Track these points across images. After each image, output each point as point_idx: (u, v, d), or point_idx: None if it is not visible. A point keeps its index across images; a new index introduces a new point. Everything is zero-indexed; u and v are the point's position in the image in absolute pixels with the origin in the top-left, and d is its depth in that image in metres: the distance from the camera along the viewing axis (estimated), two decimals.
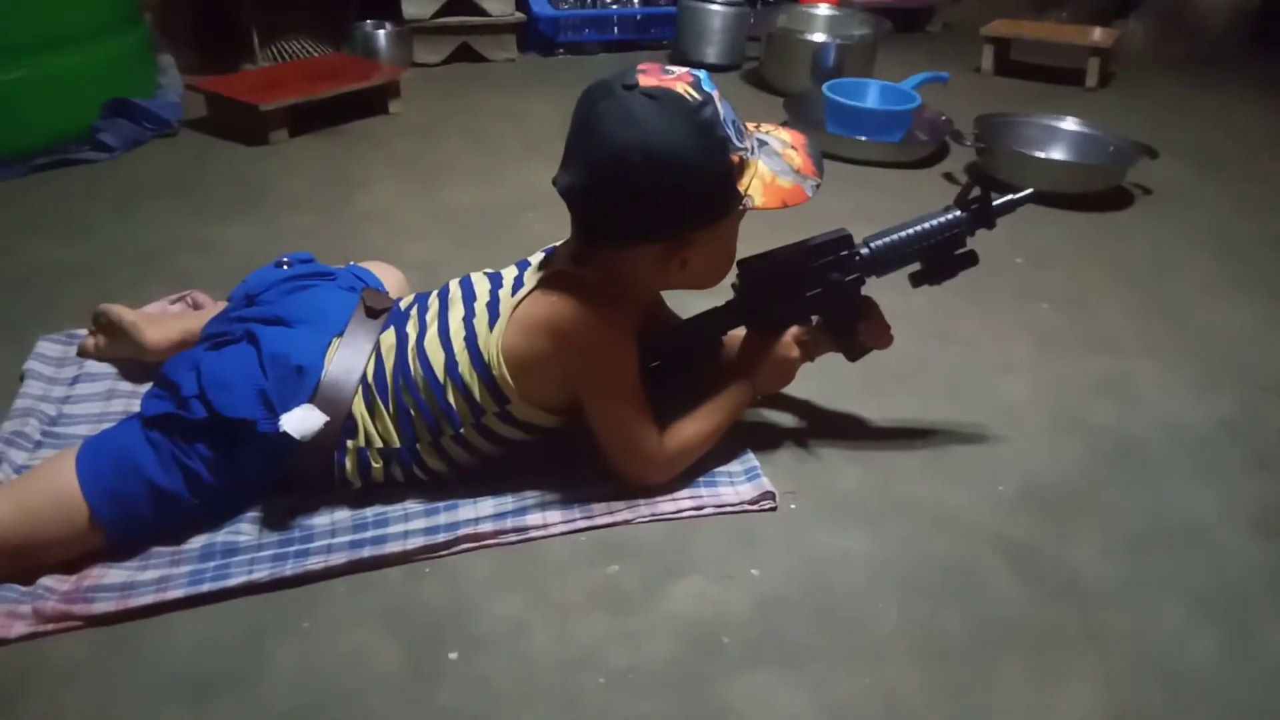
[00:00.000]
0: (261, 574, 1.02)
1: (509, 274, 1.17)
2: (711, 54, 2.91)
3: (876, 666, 0.98)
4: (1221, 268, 1.86)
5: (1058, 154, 2.22)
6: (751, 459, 1.22)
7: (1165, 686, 0.98)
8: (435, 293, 1.19)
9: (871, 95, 2.41)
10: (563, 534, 1.11)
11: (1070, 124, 2.26)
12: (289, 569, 1.02)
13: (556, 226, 1.13)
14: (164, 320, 1.35)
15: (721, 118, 1.04)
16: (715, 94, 1.05)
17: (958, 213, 1.21)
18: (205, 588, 1.00)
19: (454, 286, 1.18)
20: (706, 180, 1.04)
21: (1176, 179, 2.22)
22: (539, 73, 2.82)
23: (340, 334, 1.12)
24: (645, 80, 1.03)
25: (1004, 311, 1.64)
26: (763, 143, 1.12)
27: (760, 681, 0.96)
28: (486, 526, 1.09)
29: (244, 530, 1.08)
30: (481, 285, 1.16)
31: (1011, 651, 1.01)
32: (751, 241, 1.19)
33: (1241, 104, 2.91)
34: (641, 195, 1.03)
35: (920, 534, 1.15)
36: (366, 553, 1.05)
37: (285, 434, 1.02)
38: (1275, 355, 1.58)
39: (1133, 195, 2.13)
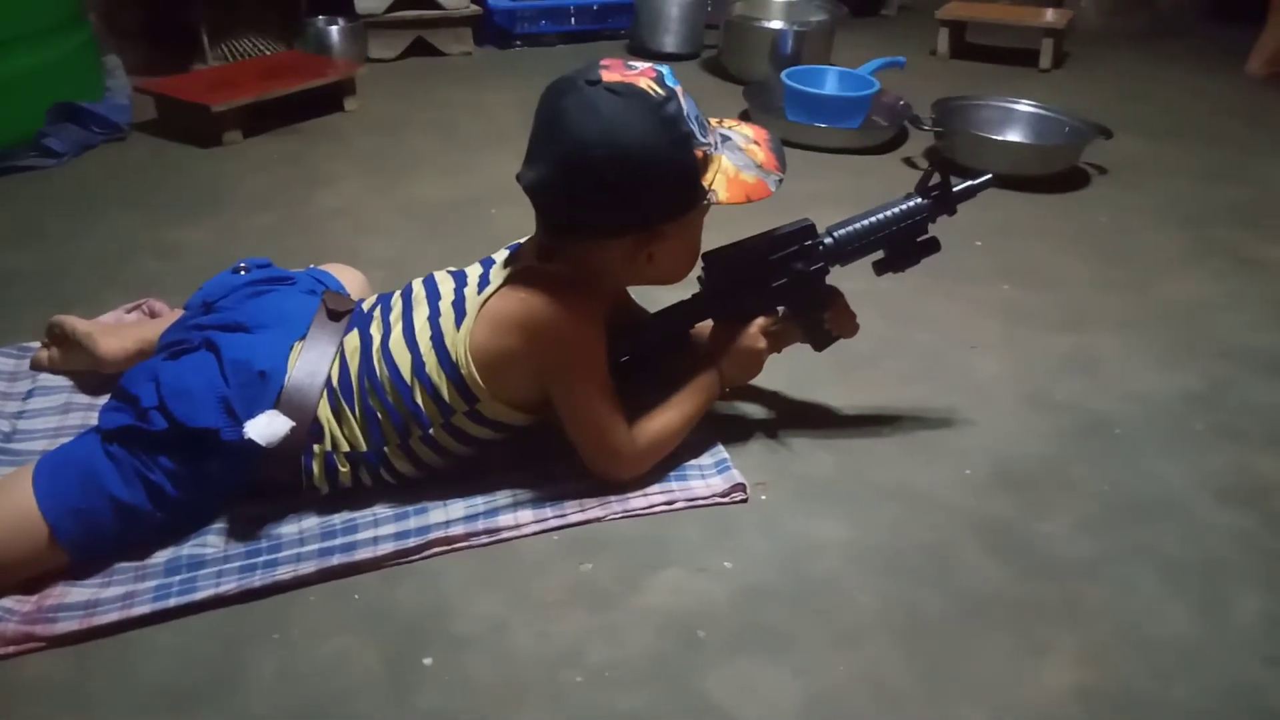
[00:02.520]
0: (229, 586, 1.00)
1: (473, 272, 1.15)
2: (670, 43, 2.90)
3: (857, 649, 0.99)
4: (1181, 240, 1.89)
5: (1014, 136, 2.24)
6: (722, 451, 1.22)
7: (1141, 656, 1.00)
8: (398, 293, 1.17)
9: (830, 82, 2.42)
10: (535, 533, 1.10)
11: (1026, 106, 2.28)
12: (257, 580, 1.00)
13: (523, 220, 1.12)
14: (120, 330, 1.32)
15: (685, 113, 1.04)
16: (679, 90, 1.05)
17: (919, 200, 1.22)
18: (171, 603, 0.98)
19: (417, 286, 1.17)
20: (670, 175, 1.04)
21: (1133, 155, 2.25)
22: (497, 65, 2.79)
23: (302, 338, 1.10)
24: (609, 76, 1.03)
25: (968, 293, 1.66)
26: (726, 138, 1.12)
27: (741, 671, 0.96)
28: (457, 529, 1.08)
29: (210, 542, 1.06)
30: (446, 284, 1.15)
31: (990, 628, 1.02)
32: (718, 231, 1.18)
33: (1195, 77, 2.96)
34: (606, 190, 1.03)
35: (894, 517, 1.16)
36: (336, 560, 1.03)
37: (250, 441, 1.00)
38: (1237, 324, 1.61)
39: (1089, 175, 2.16)
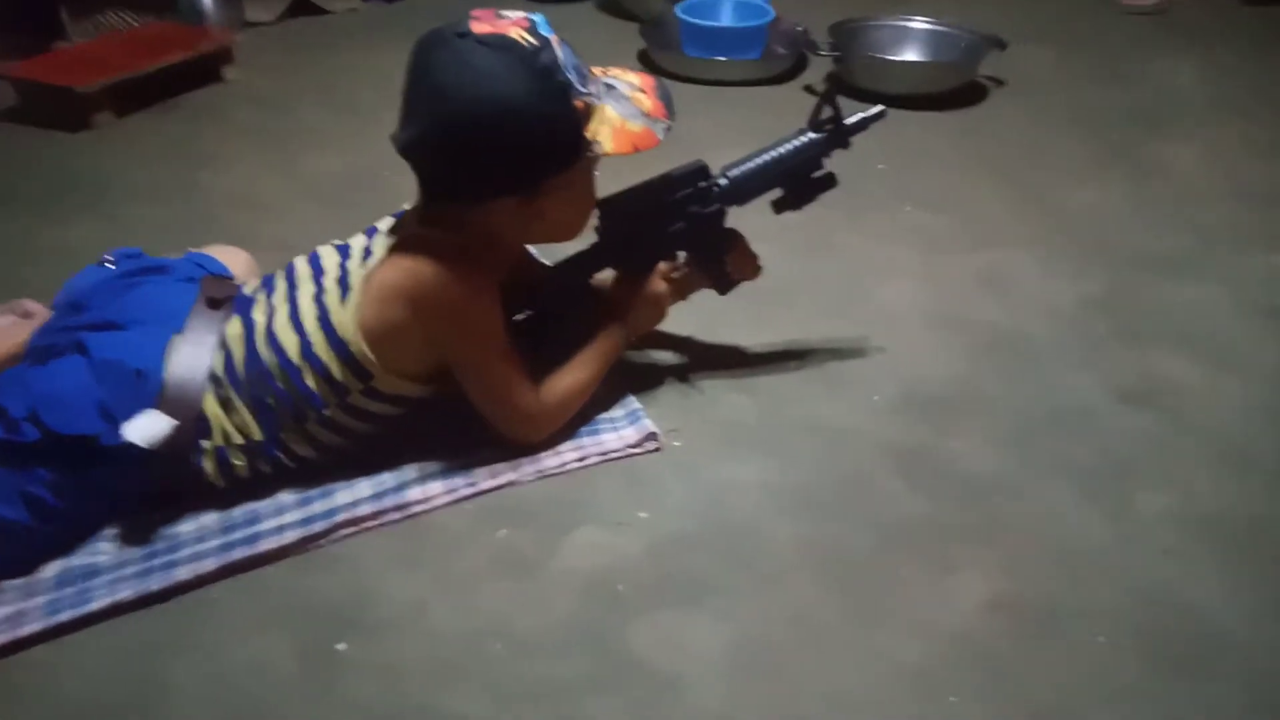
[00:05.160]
0: (126, 593, 0.96)
1: (357, 243, 1.11)
2: None
3: (779, 588, 1.00)
4: (1082, 148, 1.90)
5: (911, 54, 2.22)
6: (633, 402, 1.20)
7: (1057, 564, 1.02)
8: (281, 272, 1.13)
9: (725, 13, 2.37)
10: (447, 505, 1.08)
11: (921, 22, 2.26)
12: (155, 584, 0.97)
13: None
14: None
15: (561, 62, 1.00)
16: (554, 38, 1.01)
17: (811, 135, 1.20)
18: (64, 616, 0.94)
19: (300, 264, 1.12)
20: (550, 127, 1.01)
21: (1030, 65, 2.25)
22: (385, 21, 2.67)
23: (180, 331, 1.05)
24: (479, 27, 0.99)
25: (874, 219, 1.65)
26: (610, 87, 1.09)
27: (663, 623, 0.96)
28: (365, 509, 1.05)
29: (103, 549, 1.02)
30: (330, 259, 1.10)
31: (910, 554, 1.03)
32: (616, 179, 1.15)
33: None
34: (483, 147, 1.00)
35: (810, 452, 1.16)
36: (239, 554, 1.00)
37: (132, 445, 0.96)
38: (1139, 230, 1.63)
39: (986, 88, 2.16)
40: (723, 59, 2.21)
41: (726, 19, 2.35)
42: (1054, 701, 0.89)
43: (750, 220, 1.24)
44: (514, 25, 1.00)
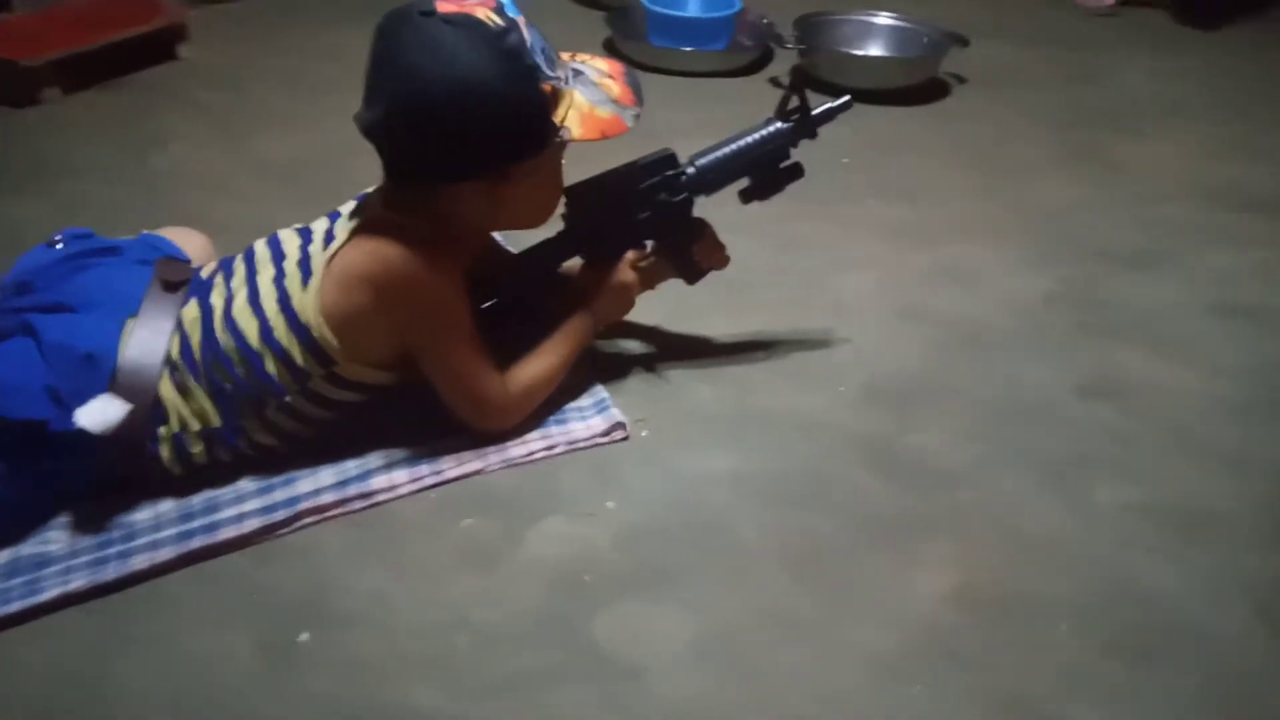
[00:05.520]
0: (79, 583, 0.93)
1: (319, 227, 1.09)
2: None
3: (744, 578, 1.00)
4: (1043, 144, 1.92)
5: (875, 49, 2.24)
6: (601, 391, 1.19)
7: (1017, 554, 1.04)
8: (240, 256, 1.10)
9: (692, 3, 2.36)
10: (412, 493, 1.06)
11: (885, 18, 2.28)
12: (110, 573, 0.94)
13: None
14: None
15: (529, 44, 0.99)
16: (521, 20, 1.00)
17: (779, 125, 1.20)
18: (14, 608, 0.91)
19: (260, 247, 1.09)
20: (515, 111, 0.99)
21: (992, 62, 2.27)
22: None
23: (134, 314, 1.01)
24: (444, 6, 0.97)
25: (838, 211, 1.66)
26: (578, 72, 1.07)
27: (629, 614, 0.95)
28: (328, 497, 1.03)
29: (53, 539, 0.98)
30: (291, 242, 1.08)
31: (875, 544, 1.04)
32: (584, 161, 1.14)
33: None
34: (446, 129, 0.98)
35: (776, 443, 1.17)
36: (197, 543, 0.97)
37: (83, 431, 0.92)
38: (1099, 223, 1.66)
39: (949, 85, 2.18)
40: (688, 49, 2.20)
41: (693, 9, 2.34)
42: (1018, 690, 0.90)
43: (717, 211, 1.24)
44: (480, 5, 0.98)
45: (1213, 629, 0.96)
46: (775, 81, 2.20)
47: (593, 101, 1.06)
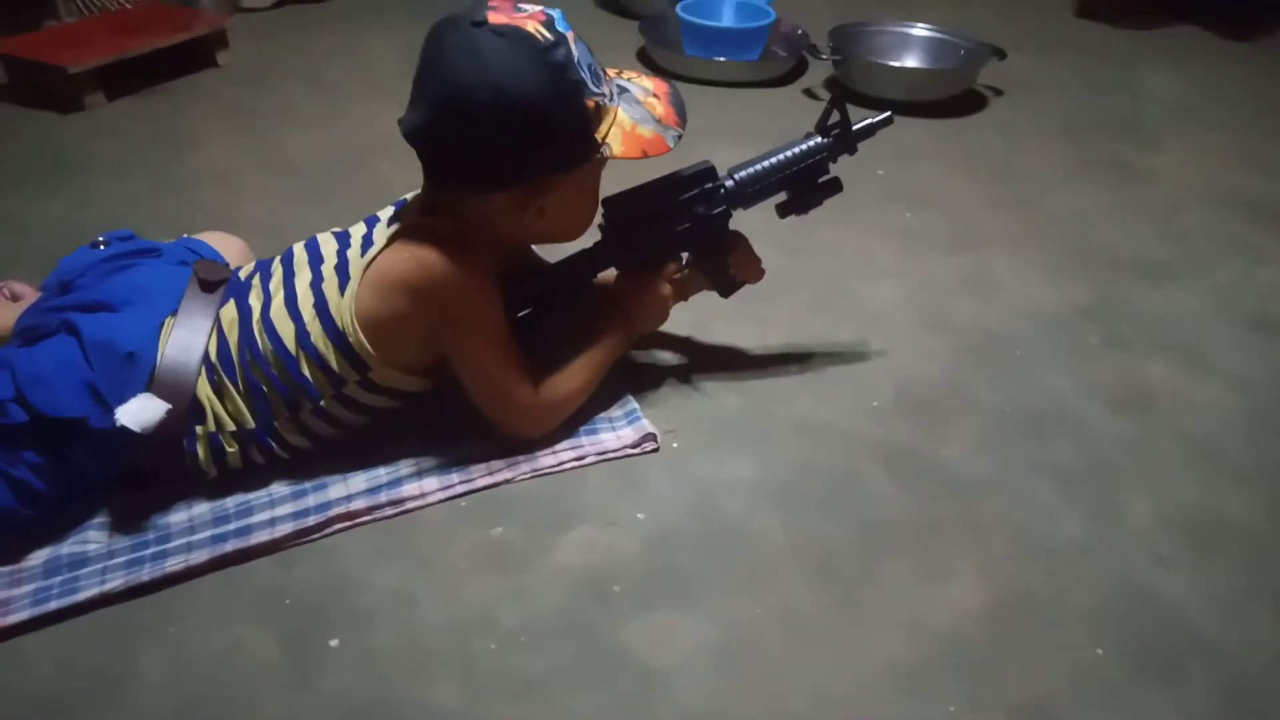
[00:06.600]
0: (115, 583, 0.94)
1: (357, 232, 1.10)
2: None
3: (768, 587, 0.99)
4: (1070, 155, 1.91)
5: (911, 61, 2.23)
6: (631, 402, 1.19)
7: (1041, 566, 1.03)
8: (278, 258, 1.11)
9: (726, 13, 2.37)
10: (442, 501, 1.06)
11: (922, 29, 2.27)
12: (145, 574, 0.95)
13: (410, 174, 1.07)
14: None
15: (576, 60, 0.99)
16: (570, 35, 1.00)
17: (819, 139, 1.19)
18: (52, 606, 0.92)
19: (298, 250, 1.10)
20: (558, 124, 0.99)
21: (1026, 73, 2.26)
22: (382, 8, 2.65)
23: (174, 313, 1.03)
24: (495, 17, 0.97)
25: (868, 222, 1.65)
26: (623, 90, 1.07)
27: (655, 621, 0.95)
28: (360, 503, 1.04)
29: (92, 538, 1.00)
30: (329, 246, 1.09)
31: (897, 553, 1.03)
32: (619, 175, 1.14)
33: None
34: (488, 138, 0.98)
35: (802, 452, 1.16)
36: (230, 546, 0.98)
37: (123, 429, 0.94)
38: (1125, 235, 1.65)
39: (985, 97, 2.17)
40: (722, 59, 2.20)
41: (727, 19, 2.35)
42: (1035, 701, 0.89)
43: (743, 217, 1.23)
44: (530, 19, 0.98)
45: (1234, 642, 0.95)
46: (810, 92, 2.19)
47: (635, 119, 1.05)
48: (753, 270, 1.24)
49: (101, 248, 1.10)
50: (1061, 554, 1.04)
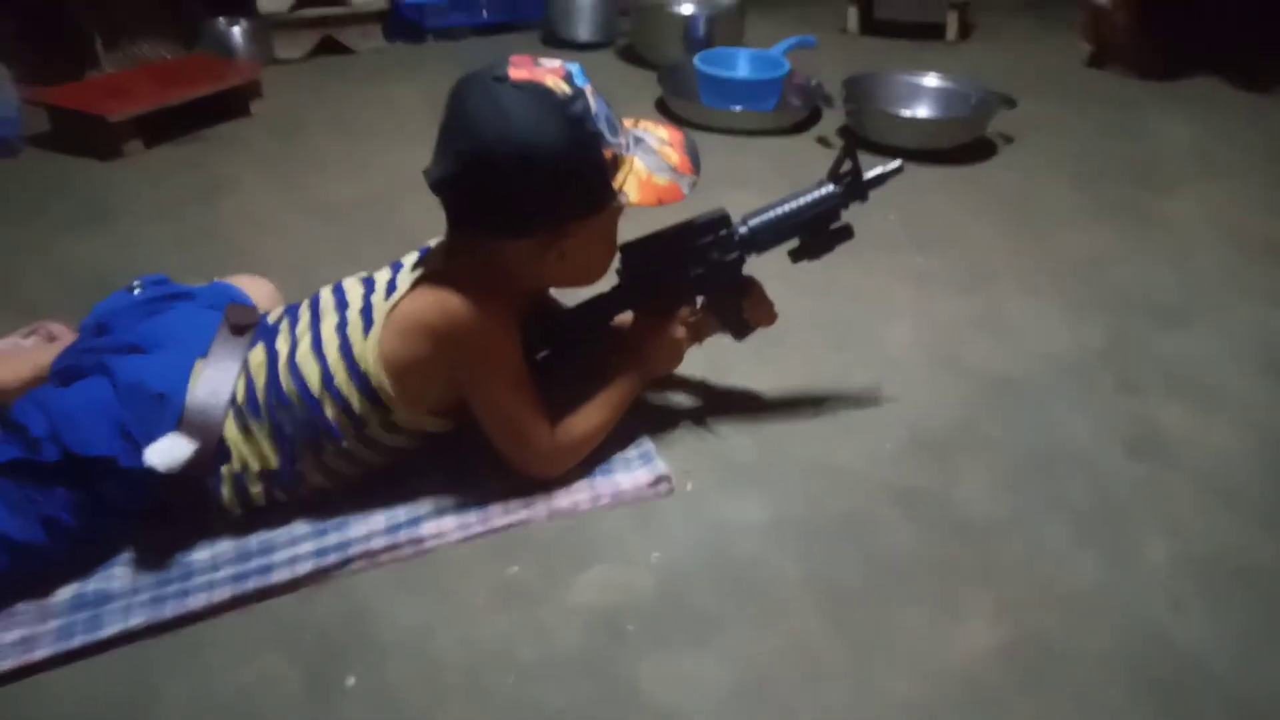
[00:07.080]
0: (138, 620, 0.96)
1: (382, 277, 1.13)
2: (583, 32, 2.87)
3: (782, 626, 1.00)
4: (1083, 201, 1.94)
5: (923, 110, 2.27)
6: (647, 443, 1.21)
7: (1055, 609, 1.03)
8: (306, 303, 1.14)
9: (742, 64, 2.42)
10: (460, 541, 1.08)
11: (933, 80, 2.31)
12: (169, 611, 0.97)
13: (435, 218, 1.10)
14: (14, 357, 1.26)
15: (594, 112, 1.02)
16: (588, 89, 1.03)
17: (831, 188, 1.22)
18: (76, 642, 0.94)
19: (325, 294, 1.14)
20: (577, 174, 1.03)
21: (1037, 121, 2.29)
22: (408, 61, 2.73)
23: (203, 356, 1.06)
24: (516, 73, 1.01)
25: (881, 265, 1.67)
26: (639, 140, 1.11)
27: (670, 660, 0.96)
28: (379, 542, 1.06)
29: (117, 574, 1.02)
30: (354, 291, 1.12)
31: (911, 595, 1.04)
32: (636, 221, 1.17)
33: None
34: (509, 189, 1.02)
35: (816, 494, 1.17)
36: (252, 584, 1.00)
37: (151, 468, 0.97)
38: (1138, 278, 1.66)
39: (996, 144, 2.20)
40: (738, 109, 2.25)
41: (743, 71, 2.40)
42: None
43: (761, 264, 1.26)
44: (550, 73, 1.02)
45: (1244, 684, 0.95)
46: (823, 140, 2.23)
47: (651, 169, 1.09)
48: (766, 314, 1.26)
49: (136, 291, 1.15)
50: (1076, 596, 1.04)
